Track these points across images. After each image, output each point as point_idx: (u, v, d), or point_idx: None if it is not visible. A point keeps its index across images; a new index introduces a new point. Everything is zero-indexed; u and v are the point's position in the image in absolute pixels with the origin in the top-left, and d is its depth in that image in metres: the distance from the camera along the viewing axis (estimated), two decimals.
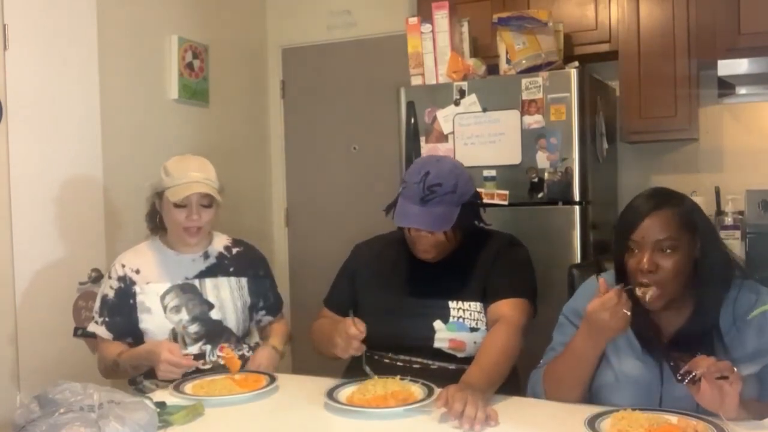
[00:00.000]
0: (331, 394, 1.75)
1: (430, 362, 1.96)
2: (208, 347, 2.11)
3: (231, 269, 2.22)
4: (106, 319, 2.13)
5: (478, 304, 1.98)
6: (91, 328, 2.16)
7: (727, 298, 1.60)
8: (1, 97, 2.46)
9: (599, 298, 1.57)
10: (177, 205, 2.07)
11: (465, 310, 1.97)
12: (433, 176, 1.93)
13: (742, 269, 1.66)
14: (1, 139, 2.47)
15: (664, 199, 1.60)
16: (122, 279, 2.14)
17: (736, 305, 1.59)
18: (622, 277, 1.63)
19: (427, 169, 1.94)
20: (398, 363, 1.96)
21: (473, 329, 1.95)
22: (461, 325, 1.95)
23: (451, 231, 1.96)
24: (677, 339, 1.61)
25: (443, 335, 1.95)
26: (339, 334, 1.84)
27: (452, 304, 1.98)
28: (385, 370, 1.88)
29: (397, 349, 1.97)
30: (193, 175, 2.09)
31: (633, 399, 1.59)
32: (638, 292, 1.57)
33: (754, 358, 1.56)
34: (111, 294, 2.14)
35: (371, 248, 2.19)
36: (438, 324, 1.96)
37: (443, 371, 1.93)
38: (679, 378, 1.47)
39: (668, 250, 1.55)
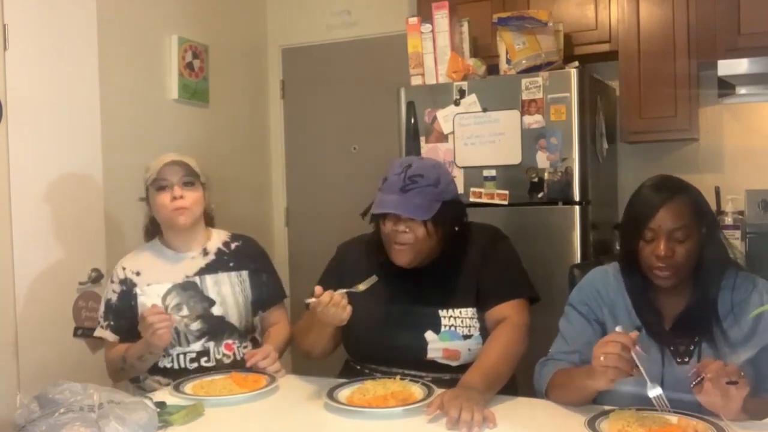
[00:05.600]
0: (331, 394, 1.75)
1: (424, 374, 1.89)
2: (211, 344, 2.11)
3: (231, 264, 2.21)
4: (111, 322, 2.14)
5: (470, 309, 1.93)
6: (98, 333, 2.17)
7: (725, 285, 1.66)
8: (1, 97, 2.46)
9: (608, 339, 1.51)
10: (159, 189, 2.08)
11: (456, 318, 1.92)
12: (415, 168, 1.89)
13: (735, 259, 1.73)
14: (1, 139, 2.47)
15: (675, 189, 1.66)
16: (124, 282, 2.16)
17: (734, 292, 1.66)
18: (633, 265, 1.69)
19: (410, 162, 1.92)
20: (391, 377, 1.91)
21: (466, 336, 1.91)
22: (454, 333, 1.91)
23: (431, 228, 1.89)
24: (678, 323, 1.68)
25: (436, 345, 1.91)
26: (328, 309, 1.76)
27: (443, 313, 1.93)
28: None
29: (390, 362, 1.93)
30: (167, 156, 2.12)
31: (636, 380, 1.60)
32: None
33: (749, 342, 1.62)
34: (114, 298, 2.15)
35: (357, 250, 2.11)
36: (430, 335, 1.91)
37: (438, 383, 1.85)
38: (678, 360, 1.51)
39: (682, 238, 1.61)
